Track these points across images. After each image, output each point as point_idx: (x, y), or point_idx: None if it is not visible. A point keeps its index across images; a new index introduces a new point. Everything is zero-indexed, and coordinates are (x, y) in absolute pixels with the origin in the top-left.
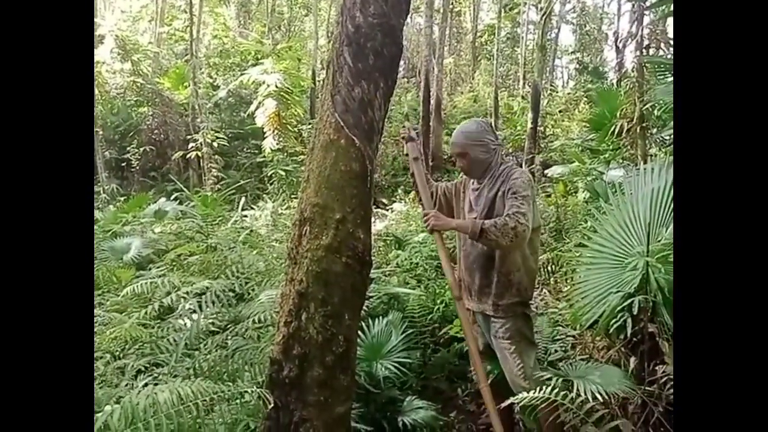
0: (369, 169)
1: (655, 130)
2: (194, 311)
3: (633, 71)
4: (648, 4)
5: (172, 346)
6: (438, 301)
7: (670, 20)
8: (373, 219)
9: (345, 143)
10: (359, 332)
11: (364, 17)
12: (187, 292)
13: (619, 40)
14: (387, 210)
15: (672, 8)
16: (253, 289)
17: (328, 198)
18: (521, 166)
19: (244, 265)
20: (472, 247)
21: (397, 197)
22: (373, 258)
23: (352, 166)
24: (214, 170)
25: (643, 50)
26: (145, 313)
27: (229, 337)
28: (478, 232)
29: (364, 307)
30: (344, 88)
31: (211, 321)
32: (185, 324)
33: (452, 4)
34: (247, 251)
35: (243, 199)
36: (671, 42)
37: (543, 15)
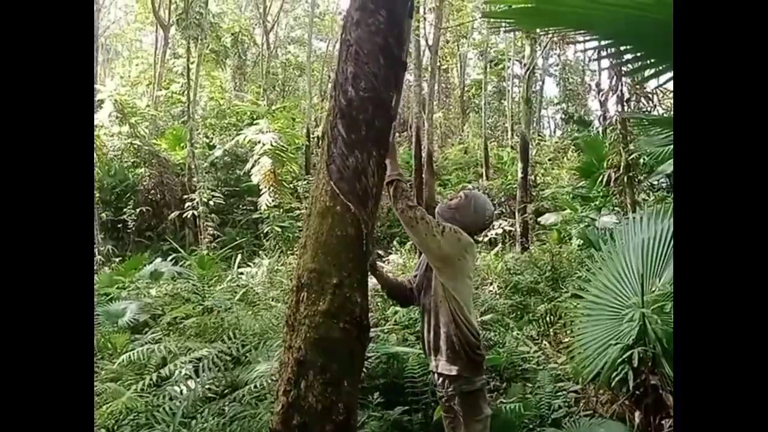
0: (365, 233)
1: (642, 177)
2: (190, 377)
3: (616, 123)
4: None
5: (169, 416)
6: None
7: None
8: (371, 256)
9: (340, 209)
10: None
11: (356, 92)
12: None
13: (601, 94)
14: (383, 262)
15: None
16: (250, 352)
17: (324, 263)
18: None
19: (240, 328)
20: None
21: (393, 248)
22: (370, 316)
23: (347, 231)
24: (210, 228)
25: (624, 104)
26: (142, 384)
27: (227, 404)
28: (391, 179)
29: (363, 369)
30: (338, 157)
31: (207, 387)
32: (181, 391)
33: (440, 62)
34: (244, 311)
35: (239, 256)
36: (650, 96)
37: (527, 70)
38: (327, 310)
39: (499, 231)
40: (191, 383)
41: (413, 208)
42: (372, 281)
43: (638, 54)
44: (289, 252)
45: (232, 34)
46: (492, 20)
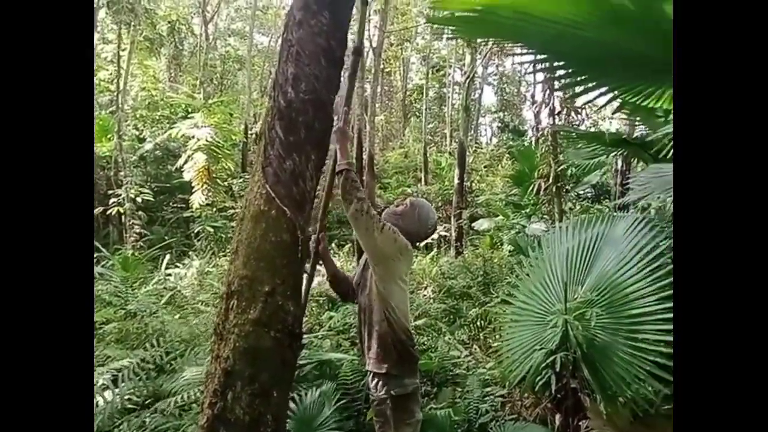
0: (300, 239)
1: (570, 186)
2: (107, 387)
3: (548, 135)
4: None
5: None
6: None
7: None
8: (305, 261)
9: (276, 214)
10: (290, 403)
11: (296, 93)
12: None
13: (534, 105)
14: (319, 265)
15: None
16: (175, 360)
17: (257, 269)
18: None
19: (165, 334)
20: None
21: (331, 251)
22: (305, 320)
23: (282, 236)
24: (136, 227)
25: (555, 116)
26: None
27: (149, 416)
28: (340, 168)
29: (295, 375)
30: (275, 160)
31: (127, 397)
32: (97, 403)
33: (383, 64)
34: (170, 315)
35: (168, 256)
36: (579, 110)
37: (467, 78)
38: (258, 319)
39: (435, 236)
40: (108, 394)
41: (361, 201)
42: (307, 285)
43: (569, 70)
44: (220, 253)
45: (169, 22)
46: (435, 26)
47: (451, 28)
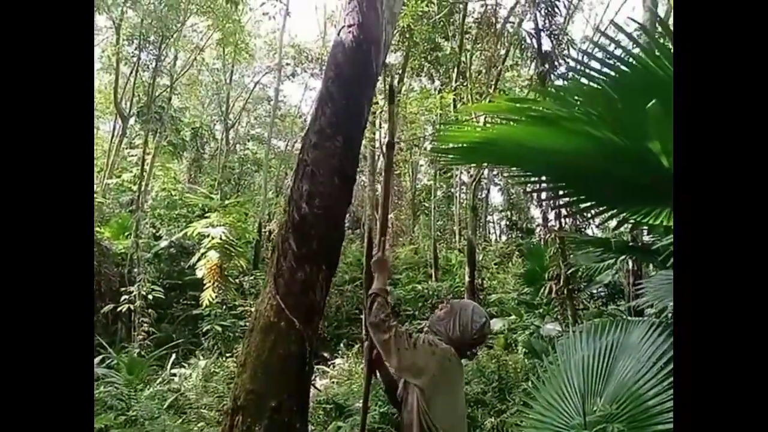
0: (308, 351)
1: (582, 286)
2: None
3: (555, 237)
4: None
5: None
6: None
7: None
8: (313, 377)
9: (285, 326)
10: None
11: (310, 208)
12: None
13: (541, 206)
14: (328, 366)
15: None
16: None
17: (264, 384)
18: None
19: None
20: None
21: (340, 352)
22: (312, 429)
23: (291, 349)
24: (145, 324)
25: (562, 219)
26: None
27: None
28: (373, 293)
29: None
30: (287, 271)
31: None
32: None
33: (393, 167)
34: (171, 420)
35: (173, 356)
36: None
37: (473, 180)
38: None
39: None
40: None
41: (387, 322)
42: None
43: (568, 191)
44: (227, 354)
45: (193, 128)
46: (441, 155)
47: (454, 157)
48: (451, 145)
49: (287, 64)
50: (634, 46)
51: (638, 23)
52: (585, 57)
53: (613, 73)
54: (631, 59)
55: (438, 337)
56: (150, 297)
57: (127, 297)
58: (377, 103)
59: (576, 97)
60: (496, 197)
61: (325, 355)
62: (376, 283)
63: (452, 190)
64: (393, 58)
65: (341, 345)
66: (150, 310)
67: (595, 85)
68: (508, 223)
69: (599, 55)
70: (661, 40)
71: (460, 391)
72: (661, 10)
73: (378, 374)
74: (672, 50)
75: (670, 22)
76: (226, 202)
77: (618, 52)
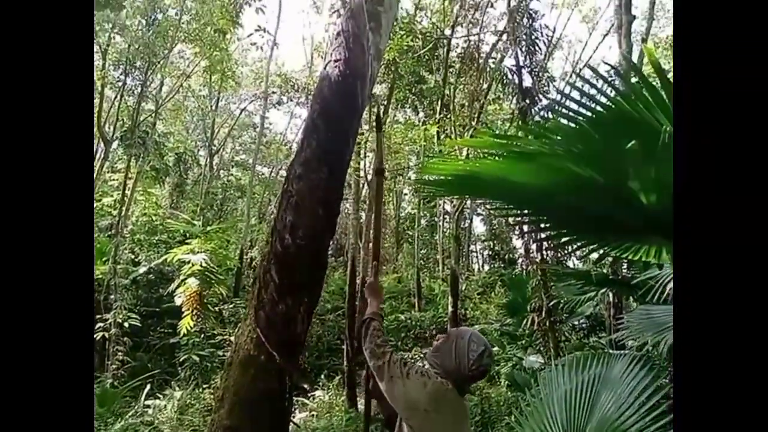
0: (288, 386)
1: (564, 317)
2: None
3: (537, 269)
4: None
5: None
6: None
7: None
8: (293, 410)
9: (265, 360)
10: None
11: (293, 239)
12: None
13: (523, 238)
14: (308, 398)
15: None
16: None
17: (242, 420)
18: None
19: None
20: None
21: (320, 383)
22: None
23: (270, 384)
24: (119, 353)
25: (543, 251)
26: None
27: None
28: (367, 317)
29: None
30: (268, 303)
31: None
32: None
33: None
34: None
35: (148, 386)
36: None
37: (456, 210)
38: None
39: None
40: None
41: (382, 348)
42: None
43: (548, 224)
44: (204, 385)
45: (176, 153)
46: (425, 187)
47: (438, 189)
48: (435, 178)
49: (273, 93)
50: (609, 89)
51: (611, 65)
52: (563, 97)
53: (589, 114)
54: (606, 100)
55: (435, 370)
56: (126, 325)
57: (102, 325)
58: (363, 133)
59: (557, 136)
60: (479, 227)
61: (305, 386)
62: (369, 307)
63: (435, 219)
64: (378, 89)
65: (321, 376)
66: (125, 339)
67: (574, 125)
68: (490, 252)
69: (576, 95)
70: (635, 80)
71: None
72: (635, 52)
73: (379, 406)
74: (645, 93)
75: (644, 67)
76: (208, 228)
77: (594, 92)
